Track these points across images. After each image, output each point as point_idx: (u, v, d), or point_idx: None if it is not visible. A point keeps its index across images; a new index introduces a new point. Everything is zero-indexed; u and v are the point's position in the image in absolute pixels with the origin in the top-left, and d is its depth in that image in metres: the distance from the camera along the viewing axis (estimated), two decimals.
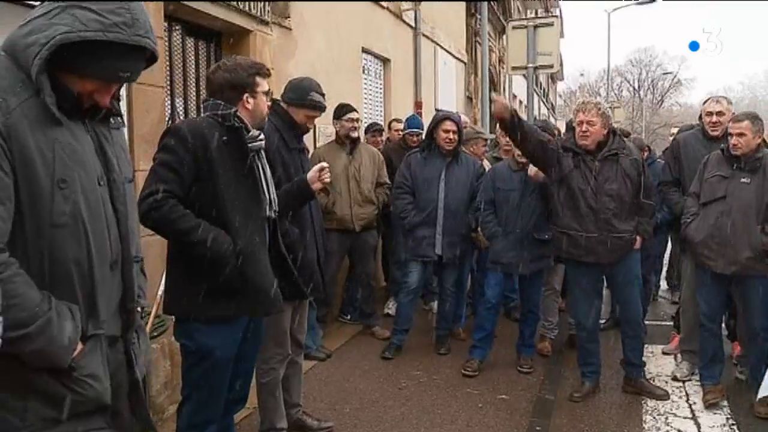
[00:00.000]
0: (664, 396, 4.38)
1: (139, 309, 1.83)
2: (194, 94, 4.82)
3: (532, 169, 4.61)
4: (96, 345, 1.62)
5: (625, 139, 4.45)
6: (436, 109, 9.75)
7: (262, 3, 5.11)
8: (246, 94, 2.72)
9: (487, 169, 5.38)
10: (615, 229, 4.13)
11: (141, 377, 1.78)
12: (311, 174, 3.16)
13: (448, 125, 5.05)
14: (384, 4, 7.95)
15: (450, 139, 5.04)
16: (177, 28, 4.59)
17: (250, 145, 2.69)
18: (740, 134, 3.99)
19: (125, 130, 3.77)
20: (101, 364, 1.62)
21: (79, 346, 1.56)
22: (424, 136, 5.60)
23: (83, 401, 1.58)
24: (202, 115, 2.78)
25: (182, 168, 2.52)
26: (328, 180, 3.19)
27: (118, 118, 1.78)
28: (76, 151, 1.56)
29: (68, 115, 1.58)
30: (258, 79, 2.75)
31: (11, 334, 1.43)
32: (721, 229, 4.02)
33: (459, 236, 5.10)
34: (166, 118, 4.31)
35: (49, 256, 1.52)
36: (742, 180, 4.03)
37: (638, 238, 4.26)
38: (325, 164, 3.21)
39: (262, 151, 2.81)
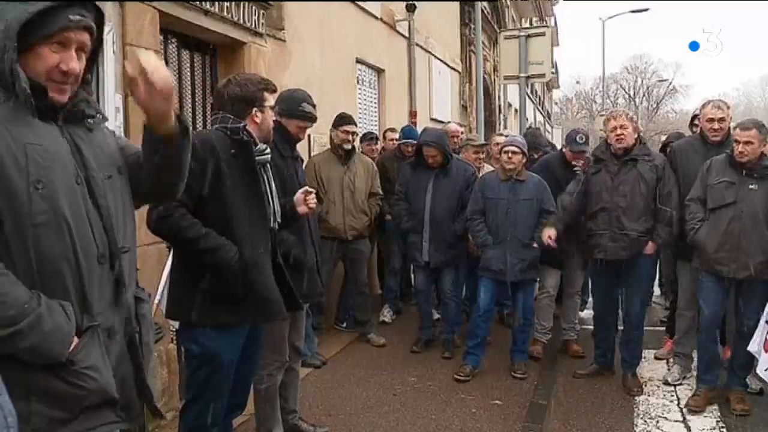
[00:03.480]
0: (637, 391, 4.61)
1: (142, 297, 1.88)
2: (190, 105, 4.89)
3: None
4: (93, 337, 1.64)
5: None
6: (430, 119, 9.84)
7: (257, 15, 5.19)
8: (255, 109, 2.80)
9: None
10: (623, 227, 4.46)
11: (148, 366, 1.80)
12: (298, 195, 3.20)
13: (426, 151, 5.26)
14: (377, 14, 8.03)
15: (431, 162, 5.25)
16: (172, 40, 4.66)
17: (257, 158, 2.77)
18: (747, 142, 4.01)
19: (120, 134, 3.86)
20: (101, 356, 1.65)
21: (75, 340, 1.60)
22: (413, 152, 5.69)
23: (86, 395, 1.60)
24: (210, 128, 2.86)
25: (191, 179, 2.58)
26: (313, 205, 3.24)
27: (98, 116, 1.80)
28: (49, 151, 1.60)
29: (42, 117, 1.63)
30: (266, 94, 2.84)
31: (1, 333, 1.48)
32: (733, 234, 4.05)
33: (445, 243, 5.26)
34: None
35: (35, 256, 1.56)
36: (751, 186, 4.06)
37: (651, 243, 4.49)
38: (311, 189, 3.26)
39: (268, 164, 2.89)
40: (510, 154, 4.85)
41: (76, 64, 1.66)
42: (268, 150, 2.87)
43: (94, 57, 1.81)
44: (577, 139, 5.36)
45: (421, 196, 5.30)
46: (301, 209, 3.20)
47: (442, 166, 5.25)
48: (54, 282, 1.59)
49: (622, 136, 4.45)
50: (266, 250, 2.81)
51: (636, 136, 4.52)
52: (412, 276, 6.31)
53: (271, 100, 2.87)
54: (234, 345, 2.76)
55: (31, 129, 1.59)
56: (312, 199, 3.22)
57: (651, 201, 4.45)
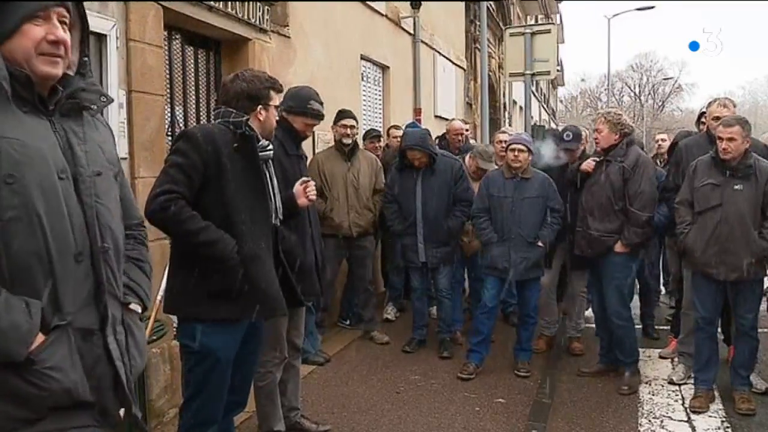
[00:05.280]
0: (627, 390, 4.56)
1: (137, 306, 1.81)
2: (194, 102, 4.88)
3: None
4: (62, 337, 1.59)
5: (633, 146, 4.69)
6: (435, 116, 9.82)
7: (261, 12, 5.18)
8: (260, 106, 2.80)
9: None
10: (587, 226, 4.63)
11: (124, 372, 1.71)
12: (297, 187, 3.16)
13: (410, 155, 5.22)
14: (383, 11, 8.01)
15: (417, 164, 5.22)
16: (177, 37, 4.65)
17: (260, 154, 2.76)
18: (731, 139, 3.99)
19: (125, 139, 3.84)
20: (68, 356, 1.59)
21: (39, 339, 1.54)
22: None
23: (48, 395, 1.55)
24: (213, 122, 2.85)
25: (193, 171, 2.59)
26: (313, 197, 3.19)
27: (101, 98, 1.76)
28: (27, 146, 1.56)
29: (32, 111, 1.60)
30: (272, 93, 2.84)
31: None
32: (720, 237, 4.04)
33: (440, 242, 5.24)
34: (166, 127, 4.37)
35: (4, 250, 1.52)
36: (735, 187, 4.03)
37: (619, 243, 4.51)
38: (308, 178, 3.23)
39: (270, 161, 2.88)
40: (516, 152, 4.82)
41: (62, 33, 1.62)
42: (271, 146, 2.86)
43: (83, 40, 1.76)
44: (564, 136, 5.35)
45: (410, 198, 5.26)
46: (301, 201, 3.15)
47: (428, 165, 5.23)
48: (22, 278, 1.55)
49: (597, 140, 4.66)
50: (267, 246, 2.78)
51: (617, 136, 4.53)
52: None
53: (276, 99, 2.87)
54: (232, 341, 2.74)
55: (10, 123, 1.55)
56: (311, 190, 3.17)
57: (617, 201, 4.52)
